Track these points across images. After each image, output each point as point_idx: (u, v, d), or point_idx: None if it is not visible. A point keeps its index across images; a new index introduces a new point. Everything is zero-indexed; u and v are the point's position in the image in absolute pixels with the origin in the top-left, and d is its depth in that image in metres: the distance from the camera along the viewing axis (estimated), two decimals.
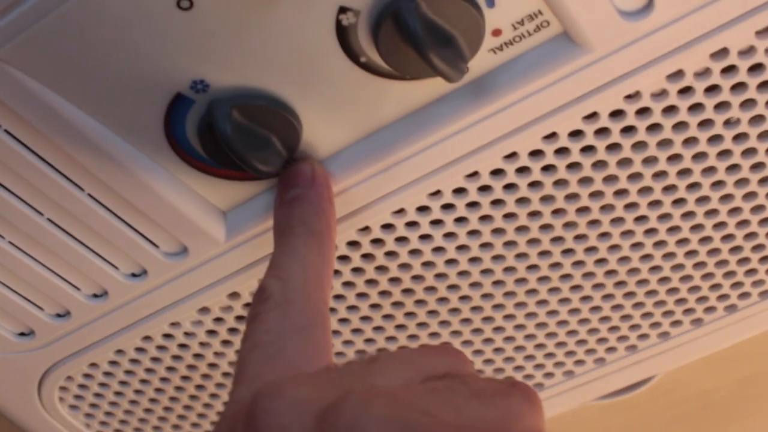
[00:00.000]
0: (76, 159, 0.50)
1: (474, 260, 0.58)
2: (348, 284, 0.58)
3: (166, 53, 0.46)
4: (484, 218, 0.56)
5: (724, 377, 0.80)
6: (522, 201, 0.55)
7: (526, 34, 0.49)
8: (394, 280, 0.58)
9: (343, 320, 0.61)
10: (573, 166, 0.54)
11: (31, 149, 0.50)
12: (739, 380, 0.81)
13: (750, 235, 0.60)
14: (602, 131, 0.52)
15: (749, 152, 0.55)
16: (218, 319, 0.59)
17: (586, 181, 0.55)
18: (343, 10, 0.46)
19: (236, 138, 0.48)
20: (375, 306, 0.60)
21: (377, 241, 0.56)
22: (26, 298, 0.57)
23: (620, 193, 0.56)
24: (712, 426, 0.85)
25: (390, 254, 0.57)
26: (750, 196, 0.57)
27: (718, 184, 0.56)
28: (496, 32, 0.48)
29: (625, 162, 0.54)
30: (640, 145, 0.53)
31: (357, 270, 0.58)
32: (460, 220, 0.56)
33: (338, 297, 0.59)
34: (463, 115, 0.51)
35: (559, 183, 0.55)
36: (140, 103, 0.48)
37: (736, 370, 0.80)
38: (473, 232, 0.57)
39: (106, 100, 0.48)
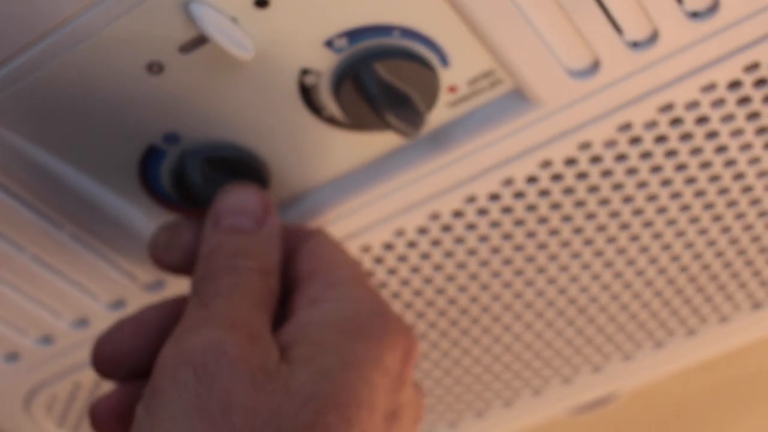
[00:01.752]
0: (57, 204, 0.53)
1: (439, 291, 0.61)
2: None
3: (139, 111, 0.49)
4: (448, 254, 0.59)
5: (696, 384, 0.83)
6: (483, 238, 0.58)
7: (480, 91, 0.51)
8: None
9: None
10: (530, 208, 0.57)
11: (13, 193, 0.53)
12: (711, 387, 0.84)
13: (706, 267, 0.63)
14: (557, 177, 0.55)
15: (699, 194, 0.57)
16: None
17: (543, 220, 0.58)
18: (305, 71, 0.49)
19: (207, 187, 0.51)
20: None
21: None
22: (12, 325, 0.61)
23: (578, 230, 0.59)
24: None
25: None
26: (703, 232, 0.60)
27: (671, 223, 0.59)
28: (452, 88, 0.51)
29: (580, 203, 0.57)
30: (593, 189, 0.56)
31: None
32: (425, 256, 0.59)
33: None
34: (423, 164, 0.54)
35: (518, 222, 0.57)
36: (116, 155, 0.51)
37: (708, 376, 0.83)
38: (437, 267, 0.60)
39: (85, 152, 0.51)
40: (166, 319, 0.47)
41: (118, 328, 0.47)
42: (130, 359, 0.46)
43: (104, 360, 0.47)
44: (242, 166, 0.52)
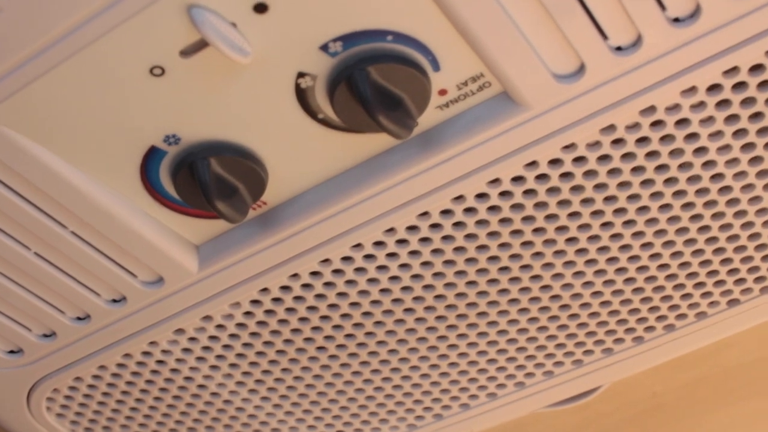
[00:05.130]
0: (60, 202, 0.55)
1: (427, 287, 0.63)
2: (311, 308, 0.64)
3: (141, 112, 0.51)
4: (437, 251, 0.61)
5: (672, 381, 0.85)
6: (470, 236, 0.60)
7: (470, 93, 0.53)
8: (355, 304, 0.64)
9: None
10: (516, 207, 0.59)
11: (18, 193, 0.55)
12: (687, 384, 0.86)
13: (684, 264, 0.65)
14: (542, 177, 0.57)
15: (679, 194, 0.60)
16: (193, 339, 0.65)
17: (528, 219, 0.60)
18: (301, 74, 0.51)
19: (208, 187, 0.53)
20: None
21: (338, 272, 0.61)
22: (16, 321, 0.63)
23: (561, 228, 0.61)
24: (661, 427, 0.90)
25: (349, 282, 0.62)
26: (682, 231, 0.62)
27: (652, 221, 0.61)
28: (442, 92, 0.53)
29: (564, 203, 0.59)
30: (577, 189, 0.58)
31: (319, 296, 0.63)
32: (414, 253, 0.61)
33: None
34: (414, 164, 0.56)
35: (504, 221, 0.59)
36: (118, 154, 0.53)
37: (683, 374, 0.85)
38: (426, 263, 0.62)
39: (88, 151, 0.53)
40: None
41: None
42: None
43: None
44: (243, 168, 0.54)
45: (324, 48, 0.50)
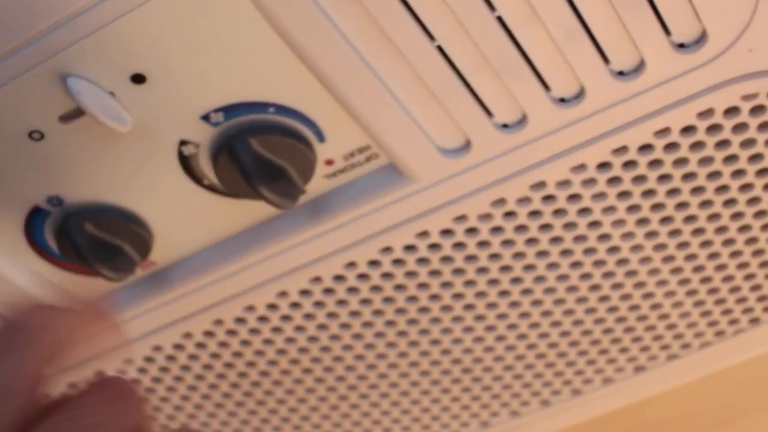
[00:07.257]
0: None
1: (324, 349, 0.63)
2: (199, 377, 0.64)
3: (22, 175, 0.51)
4: (331, 315, 0.61)
5: None
6: (365, 301, 0.60)
7: (357, 164, 0.53)
8: (242, 375, 0.64)
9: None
10: (410, 274, 0.59)
11: None
12: None
13: (587, 332, 0.65)
14: (434, 246, 0.57)
15: (576, 265, 0.60)
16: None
17: (423, 285, 0.60)
18: (184, 142, 0.51)
19: (89, 249, 0.53)
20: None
21: (231, 332, 0.61)
22: None
23: (458, 296, 0.61)
24: None
25: (244, 343, 0.62)
26: (581, 300, 0.62)
27: (549, 291, 0.61)
28: (329, 162, 0.53)
29: (459, 271, 0.59)
30: (471, 258, 0.58)
31: (208, 364, 0.63)
32: (308, 316, 0.61)
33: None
34: (302, 231, 0.55)
35: (399, 287, 0.59)
36: (2, 214, 0.53)
37: (603, 429, 0.85)
38: (321, 327, 0.62)
39: None
40: None
41: None
42: None
43: None
44: (124, 229, 0.53)
45: (205, 118, 0.49)
